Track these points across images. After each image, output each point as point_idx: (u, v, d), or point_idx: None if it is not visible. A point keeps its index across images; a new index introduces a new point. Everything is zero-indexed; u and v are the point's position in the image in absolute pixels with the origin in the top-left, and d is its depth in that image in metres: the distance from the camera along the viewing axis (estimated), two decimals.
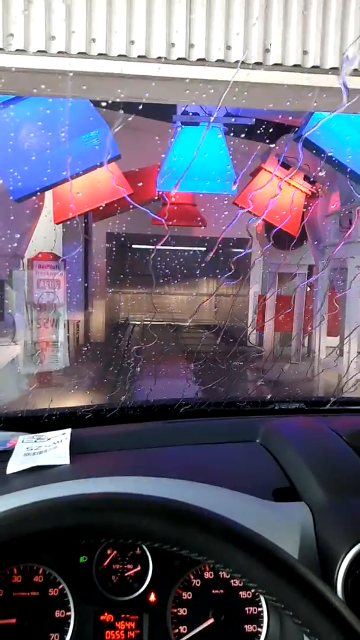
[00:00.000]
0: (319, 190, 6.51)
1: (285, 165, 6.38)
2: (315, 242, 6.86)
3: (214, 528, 0.58)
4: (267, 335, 9.04)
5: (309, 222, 6.86)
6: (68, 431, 1.01)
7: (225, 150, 5.20)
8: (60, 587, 0.81)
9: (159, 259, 14.01)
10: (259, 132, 6.41)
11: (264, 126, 6.01)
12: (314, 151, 4.21)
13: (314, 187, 6.55)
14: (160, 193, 8.53)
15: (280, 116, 4.89)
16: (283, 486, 0.89)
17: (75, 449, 0.95)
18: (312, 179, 6.39)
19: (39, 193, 4.14)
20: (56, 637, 0.80)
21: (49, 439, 0.99)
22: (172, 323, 14.37)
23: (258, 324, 9.42)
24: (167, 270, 13.96)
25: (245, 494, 0.82)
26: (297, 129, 5.33)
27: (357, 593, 0.70)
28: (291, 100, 2.36)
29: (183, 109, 4.72)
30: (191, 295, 15.28)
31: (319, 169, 6.34)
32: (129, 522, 0.58)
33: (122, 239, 10.92)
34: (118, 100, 2.48)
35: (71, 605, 0.80)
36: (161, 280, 14.67)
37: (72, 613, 0.80)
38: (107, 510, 0.59)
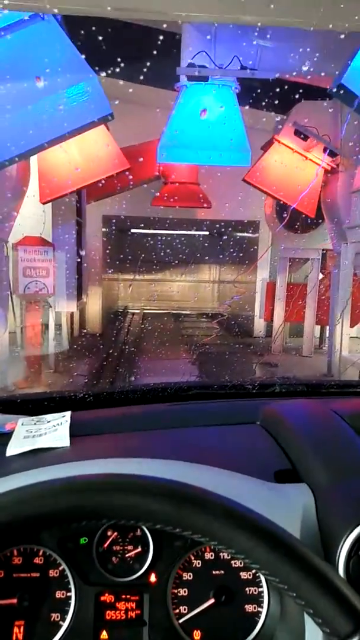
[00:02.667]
0: (341, 164, 5.77)
1: (303, 136, 5.64)
2: (335, 224, 6.13)
3: (216, 510, 0.58)
4: (276, 326, 8.35)
5: (329, 201, 6.13)
6: (68, 414, 0.99)
7: (238, 113, 4.43)
8: (61, 568, 0.81)
9: (158, 243, 13.35)
10: (268, 99, 5.68)
11: (277, 90, 5.26)
12: (352, 103, 3.46)
13: (334, 161, 5.81)
14: (161, 170, 7.81)
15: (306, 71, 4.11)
16: (284, 468, 0.87)
17: (75, 431, 0.93)
18: (333, 151, 5.64)
19: (16, 160, 3.37)
20: (57, 617, 0.80)
21: (48, 422, 0.97)
22: (173, 311, 13.83)
23: (266, 313, 8.77)
24: (169, 251, 13.28)
25: (247, 476, 0.81)
26: (321, 92, 4.59)
27: (359, 573, 0.69)
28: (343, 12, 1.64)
29: (189, 61, 3.94)
30: (192, 282, 14.62)
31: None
32: (131, 503, 0.59)
33: (123, 218, 10.18)
34: (102, 14, 1.76)
35: (72, 586, 0.80)
36: (159, 266, 14.02)
37: (72, 594, 0.80)
38: (109, 492, 0.59)
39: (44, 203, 5.46)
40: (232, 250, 12.34)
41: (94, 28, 4.80)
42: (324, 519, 0.75)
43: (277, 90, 5.28)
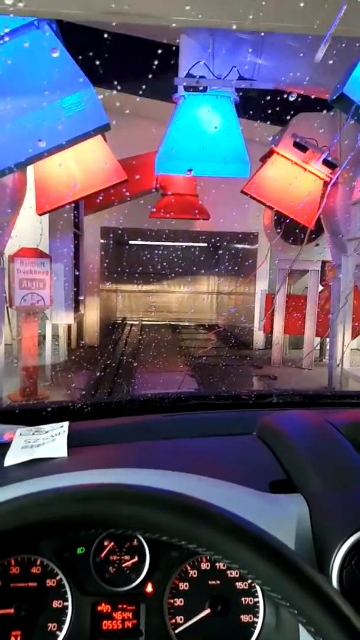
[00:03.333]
0: (340, 175, 5.73)
1: (302, 147, 5.61)
2: (334, 235, 6.09)
3: (221, 524, 0.58)
4: (275, 337, 8.28)
5: (328, 213, 6.09)
6: (66, 424, 1.00)
7: (237, 124, 4.39)
8: (58, 578, 0.81)
9: (156, 254, 13.30)
10: (264, 111, 5.66)
11: (276, 101, 5.24)
12: (354, 117, 3.43)
13: (334, 173, 5.77)
14: (158, 182, 7.79)
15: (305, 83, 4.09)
16: (280, 478, 0.88)
17: (73, 441, 0.93)
18: (332, 163, 5.61)
19: (12, 171, 3.31)
20: (54, 627, 0.80)
21: (46, 432, 0.97)
22: (171, 323, 13.78)
23: (266, 326, 8.69)
24: (167, 263, 13.23)
25: (242, 486, 0.81)
26: (321, 103, 4.57)
27: (352, 584, 0.69)
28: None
29: (187, 71, 3.91)
30: (190, 293, 14.58)
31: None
32: (137, 513, 0.59)
33: (120, 231, 10.14)
34: (94, 18, 1.71)
35: (69, 595, 0.80)
36: (157, 277, 13.98)
37: (69, 603, 0.80)
38: (116, 501, 0.59)
39: (40, 214, 5.41)
40: (230, 261, 12.30)
41: (91, 40, 4.78)
42: (318, 529, 0.76)
43: (274, 102, 5.26)
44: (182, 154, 4.30)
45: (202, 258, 13.61)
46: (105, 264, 10.58)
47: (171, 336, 11.70)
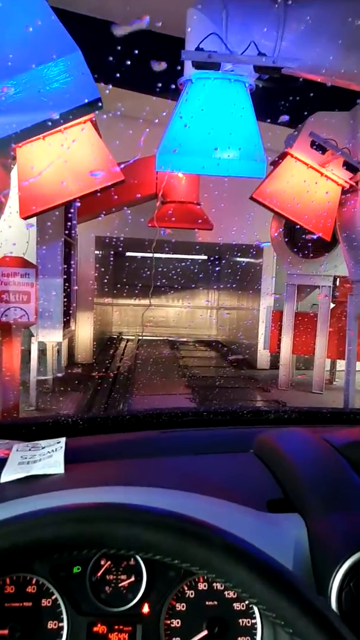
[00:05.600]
0: None
1: (320, 148, 5.03)
2: (352, 247, 5.49)
3: (216, 542, 0.58)
4: (283, 358, 7.64)
5: (344, 223, 5.51)
6: (63, 440, 0.98)
7: (252, 115, 3.79)
8: (54, 597, 0.80)
9: (155, 266, 12.72)
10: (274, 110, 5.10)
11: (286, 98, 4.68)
12: None
13: (353, 178, 5.20)
14: (159, 188, 7.22)
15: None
16: (277, 497, 0.87)
17: (70, 457, 0.92)
18: (353, 166, 5.02)
19: None
20: None
21: (43, 448, 0.97)
22: (169, 338, 13.14)
23: (272, 345, 8.07)
24: (166, 275, 12.68)
25: (239, 505, 0.81)
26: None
27: (351, 606, 0.68)
28: None
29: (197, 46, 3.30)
30: (190, 307, 13.98)
31: None
32: (131, 533, 0.58)
33: (117, 239, 9.54)
34: None
35: (64, 616, 0.80)
36: (155, 290, 13.39)
37: (65, 624, 0.79)
38: (109, 521, 0.59)
39: (25, 218, 4.78)
40: (232, 275, 11.72)
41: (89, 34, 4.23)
42: (315, 549, 0.74)
43: (282, 98, 4.70)
44: (187, 149, 3.69)
45: (202, 270, 13.04)
46: (100, 275, 9.98)
47: (169, 353, 11.11)
